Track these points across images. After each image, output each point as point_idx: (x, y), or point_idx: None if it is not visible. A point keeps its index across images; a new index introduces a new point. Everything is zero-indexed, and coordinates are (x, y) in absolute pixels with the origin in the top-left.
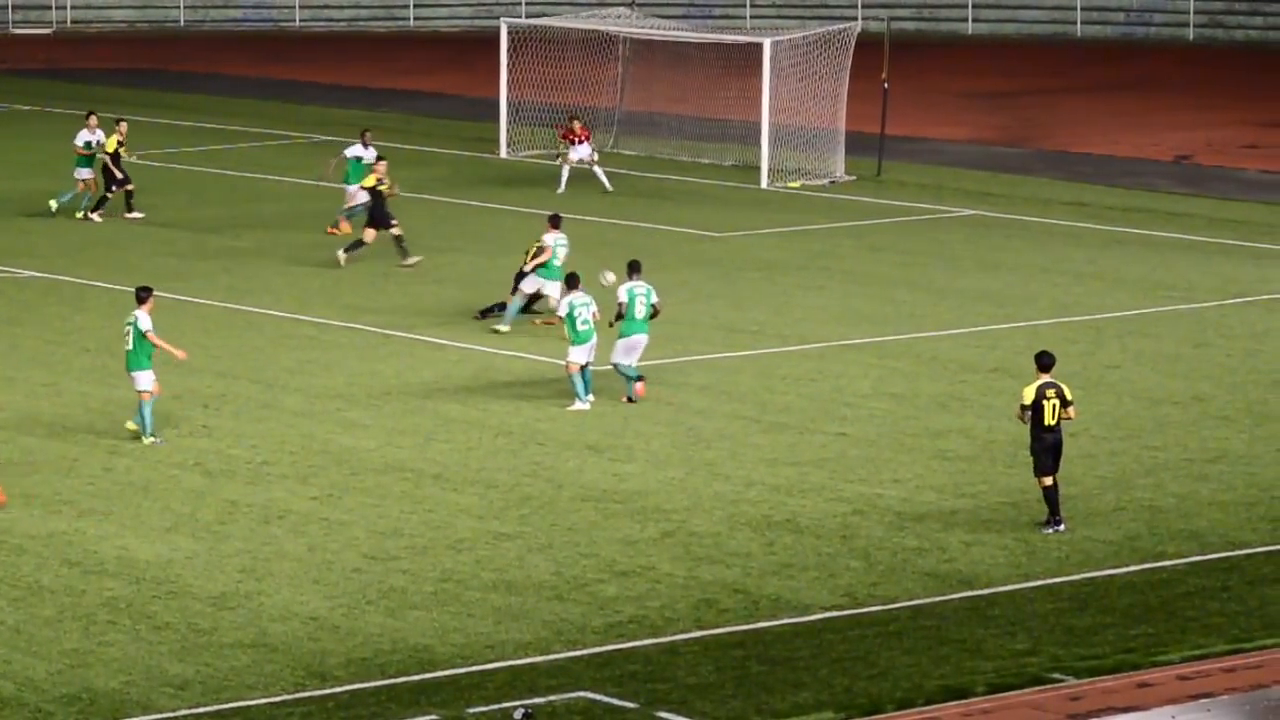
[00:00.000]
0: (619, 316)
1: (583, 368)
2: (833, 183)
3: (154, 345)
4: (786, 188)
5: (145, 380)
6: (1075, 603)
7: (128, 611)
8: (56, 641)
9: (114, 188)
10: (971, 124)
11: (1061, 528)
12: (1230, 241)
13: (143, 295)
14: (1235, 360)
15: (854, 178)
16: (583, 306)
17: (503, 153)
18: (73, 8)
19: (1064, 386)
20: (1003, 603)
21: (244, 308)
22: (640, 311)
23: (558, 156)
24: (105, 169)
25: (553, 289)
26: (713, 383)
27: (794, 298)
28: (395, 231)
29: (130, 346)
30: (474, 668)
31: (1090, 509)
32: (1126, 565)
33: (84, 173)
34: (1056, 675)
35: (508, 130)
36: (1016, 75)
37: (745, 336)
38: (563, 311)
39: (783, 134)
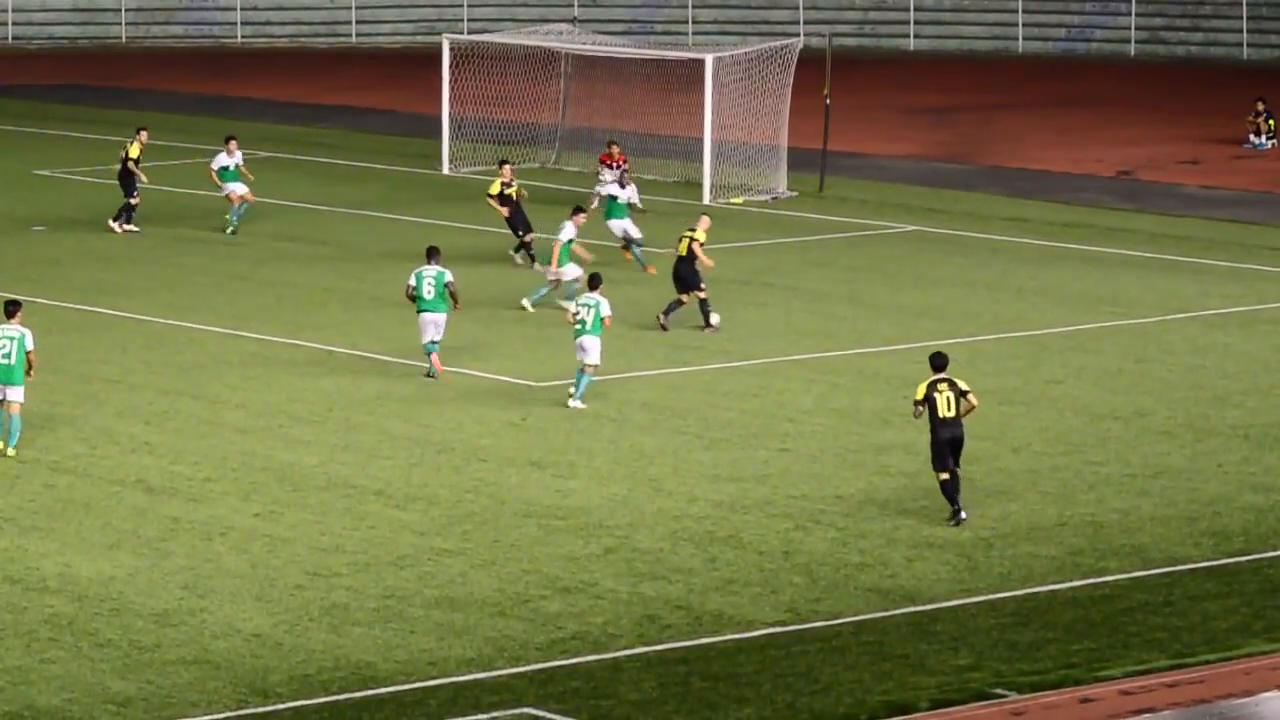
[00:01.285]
0: (410, 297)
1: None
2: (775, 199)
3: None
4: (729, 204)
5: (21, 393)
6: (1018, 618)
7: (70, 629)
8: None
9: (135, 195)
10: (913, 140)
11: (963, 516)
12: (1171, 257)
13: (12, 310)
14: (1176, 375)
15: (796, 193)
16: (584, 306)
17: (445, 169)
18: (14, 24)
19: (958, 380)
20: (945, 618)
21: (185, 324)
22: (429, 292)
23: (598, 179)
24: (124, 175)
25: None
26: (655, 399)
27: (736, 313)
28: (527, 239)
29: (12, 362)
30: (417, 684)
31: (1032, 524)
32: (1069, 580)
33: (234, 187)
34: (999, 690)
35: (450, 146)
36: (958, 91)
37: (688, 352)
38: (571, 307)
39: (725, 150)
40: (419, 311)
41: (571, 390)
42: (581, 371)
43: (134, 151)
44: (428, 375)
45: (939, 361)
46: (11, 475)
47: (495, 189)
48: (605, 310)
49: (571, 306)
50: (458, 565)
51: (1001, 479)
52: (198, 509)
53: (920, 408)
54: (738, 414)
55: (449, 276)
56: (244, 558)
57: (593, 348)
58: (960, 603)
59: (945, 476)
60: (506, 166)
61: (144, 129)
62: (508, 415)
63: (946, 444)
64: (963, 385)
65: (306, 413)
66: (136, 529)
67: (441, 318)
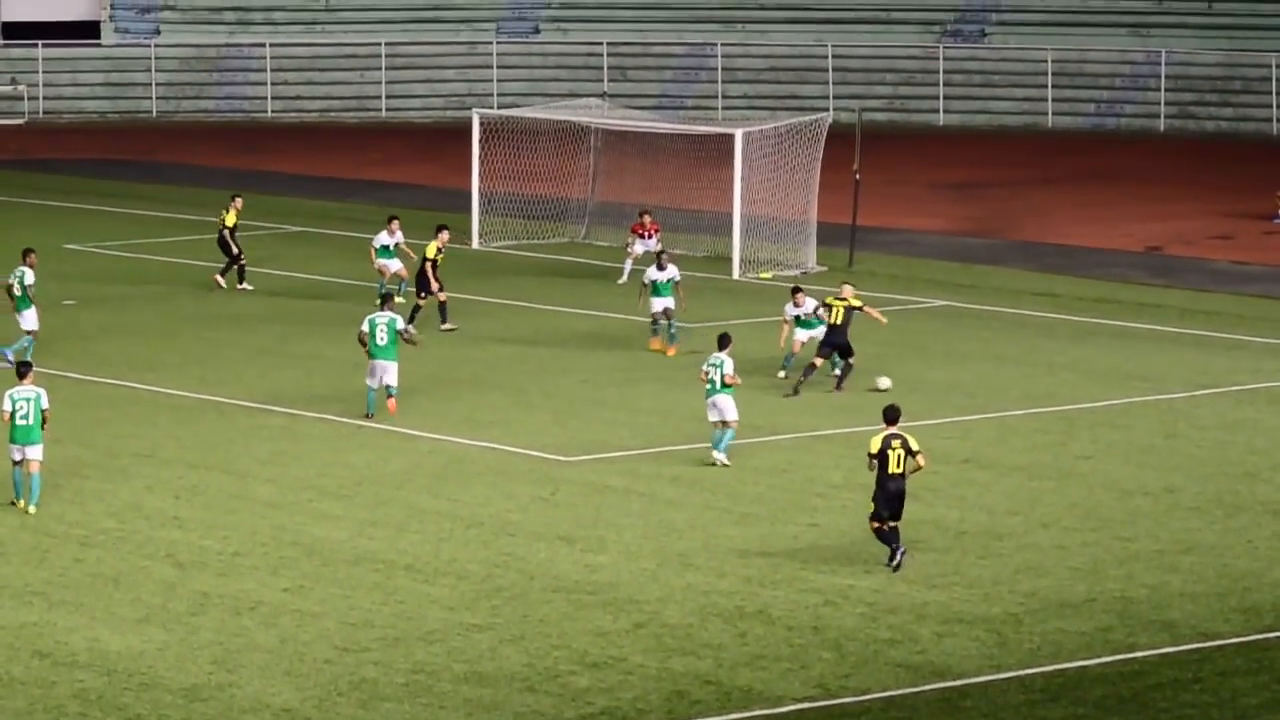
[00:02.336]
0: (362, 342)
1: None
2: (804, 273)
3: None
4: (758, 278)
5: (40, 451)
6: (1047, 694)
7: (99, 703)
8: None
9: (238, 260)
10: (943, 215)
11: (902, 552)
12: (1201, 332)
13: (23, 371)
14: (1206, 451)
15: (825, 268)
16: (712, 366)
17: (474, 243)
18: (45, 99)
19: (909, 437)
20: (975, 694)
21: (215, 398)
22: (382, 338)
23: (627, 248)
24: (222, 242)
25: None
26: (684, 473)
27: (765, 387)
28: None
29: (30, 422)
30: None
31: (1062, 600)
32: (1099, 656)
33: (389, 264)
34: None
35: (480, 221)
36: (987, 166)
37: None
38: (704, 366)
39: (754, 225)
40: (371, 357)
41: (715, 450)
42: (717, 428)
43: (230, 220)
44: (366, 417)
45: (891, 415)
46: (41, 549)
47: (431, 251)
48: (728, 369)
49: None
50: (487, 640)
51: (1031, 554)
52: (227, 583)
53: (874, 461)
54: (767, 489)
55: (401, 324)
56: (273, 632)
57: (725, 405)
58: (990, 679)
59: (878, 526)
60: (445, 233)
61: (239, 195)
62: (536, 490)
63: (891, 498)
64: (914, 445)
65: (336, 487)
66: (166, 603)
67: (393, 365)
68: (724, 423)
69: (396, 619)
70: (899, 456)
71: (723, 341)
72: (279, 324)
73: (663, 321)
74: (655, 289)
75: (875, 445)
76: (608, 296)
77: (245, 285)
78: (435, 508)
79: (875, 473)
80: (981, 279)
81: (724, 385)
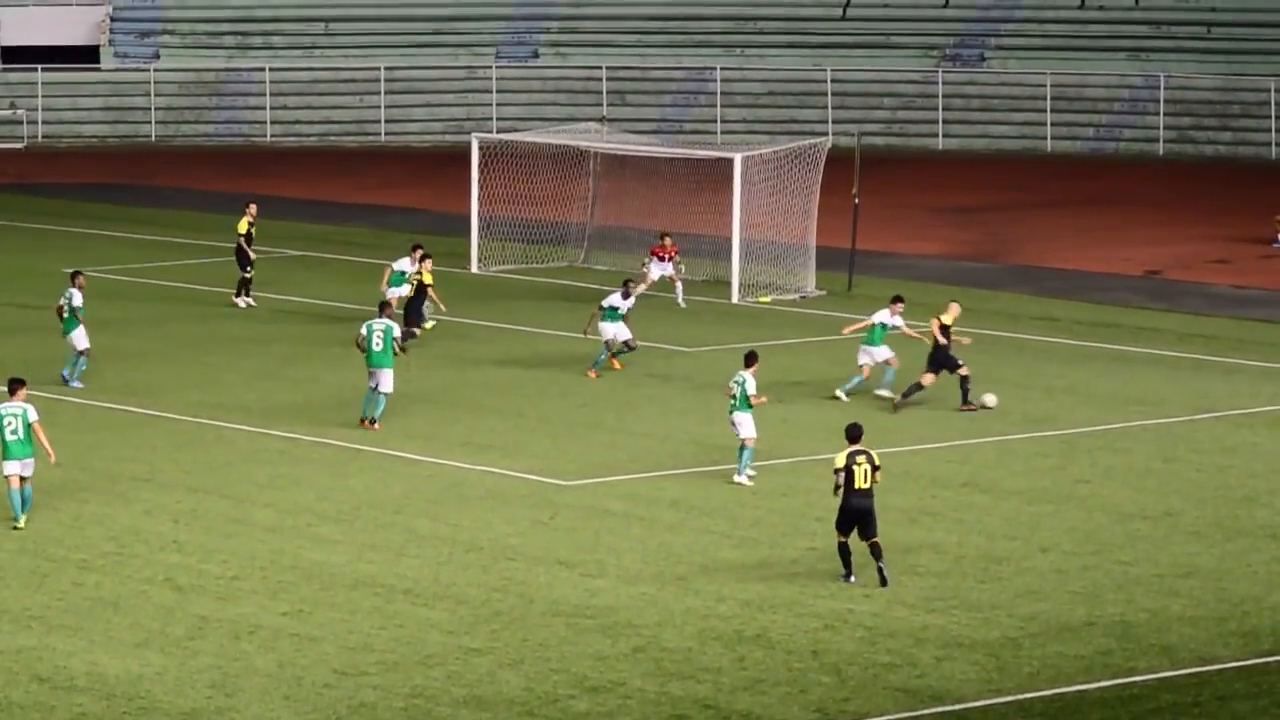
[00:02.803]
0: (360, 347)
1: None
2: (803, 297)
3: (37, 436)
4: (758, 302)
5: (31, 467)
6: (1046, 718)
7: None
8: None
9: (249, 269)
10: (942, 239)
11: (854, 580)
12: (1200, 356)
13: (14, 386)
14: (1206, 475)
15: (825, 292)
16: (735, 384)
17: (474, 268)
18: (44, 123)
19: (873, 453)
20: (974, 719)
21: (214, 422)
22: (378, 344)
23: (644, 266)
24: (239, 250)
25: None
26: (684, 497)
27: (764, 412)
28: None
29: (20, 436)
30: None
31: (1061, 624)
32: (1098, 680)
33: (396, 290)
34: None
35: (479, 245)
36: (986, 190)
37: (716, 451)
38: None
39: (754, 249)
40: (367, 363)
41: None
42: (741, 448)
43: (242, 227)
44: (362, 422)
45: (855, 432)
46: (40, 573)
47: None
48: (750, 388)
49: (886, 392)
50: (485, 664)
51: (1030, 579)
52: (226, 607)
53: (840, 476)
54: (766, 512)
55: (397, 330)
56: (272, 656)
57: (743, 422)
58: (988, 703)
59: (843, 540)
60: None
61: (253, 203)
62: (535, 514)
63: (856, 513)
64: (877, 460)
65: (335, 511)
66: (164, 627)
67: (388, 372)
68: (745, 441)
69: (395, 643)
70: (865, 472)
71: (749, 360)
72: (278, 348)
73: (616, 347)
74: (608, 314)
75: (840, 461)
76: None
77: (244, 301)
78: (434, 532)
79: (841, 489)
80: (980, 303)
81: (744, 403)
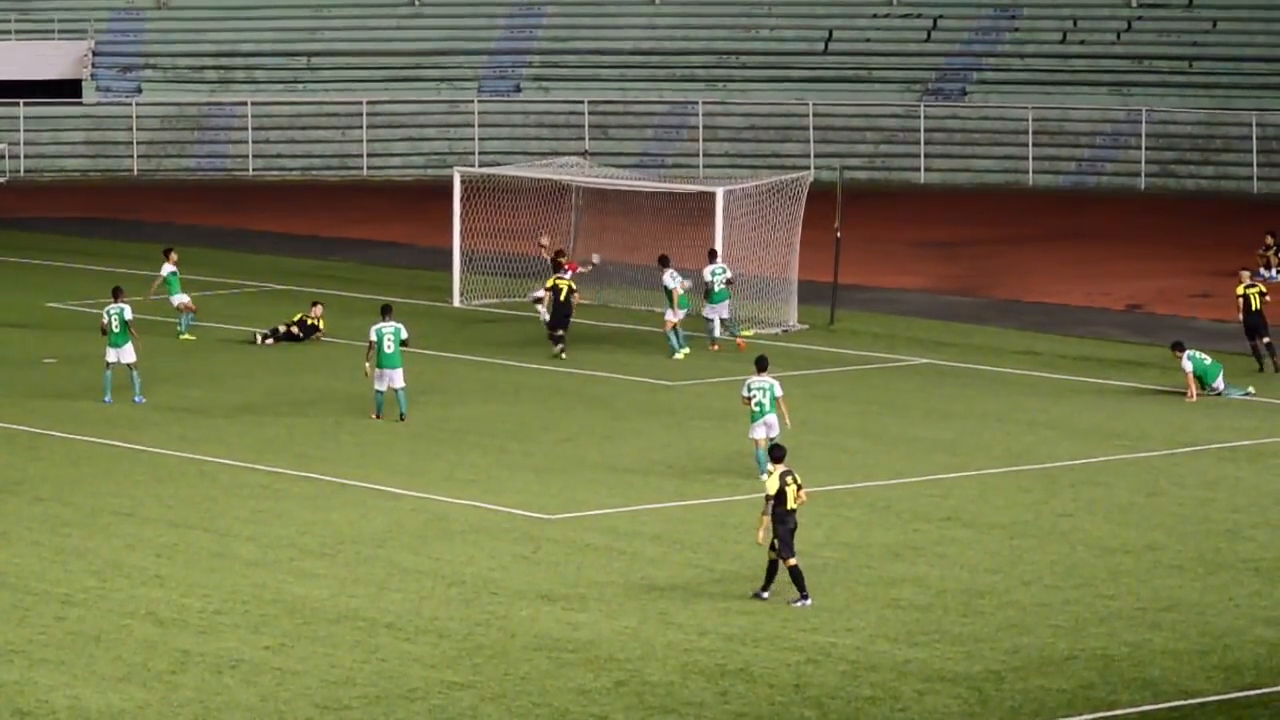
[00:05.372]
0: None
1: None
2: (785, 331)
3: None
4: (740, 336)
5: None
6: None
7: None
8: None
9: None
10: (924, 273)
11: (809, 603)
12: (1182, 390)
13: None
14: (1187, 509)
15: (807, 326)
16: (759, 390)
17: (456, 301)
18: (26, 157)
19: (795, 473)
20: None
21: (197, 456)
22: (389, 347)
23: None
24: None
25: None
26: (666, 531)
27: (746, 447)
28: None
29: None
30: None
31: (1044, 657)
32: (1080, 714)
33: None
34: None
35: (461, 279)
36: (969, 224)
37: (698, 485)
38: (744, 393)
39: (736, 283)
40: (379, 365)
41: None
42: (761, 445)
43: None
44: (375, 416)
45: (779, 454)
46: (22, 607)
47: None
48: (779, 391)
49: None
50: (468, 698)
51: (1013, 612)
52: (208, 641)
53: (770, 502)
54: (748, 547)
55: (405, 333)
56: (254, 690)
57: (773, 422)
58: None
59: (794, 562)
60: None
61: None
62: (518, 548)
63: (793, 532)
64: (799, 479)
65: (317, 545)
66: (146, 661)
67: (399, 371)
68: (771, 440)
69: (378, 677)
70: (794, 492)
71: (762, 364)
72: (261, 382)
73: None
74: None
75: (774, 485)
76: (588, 354)
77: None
78: (417, 566)
79: (772, 511)
80: (962, 337)
81: (772, 406)
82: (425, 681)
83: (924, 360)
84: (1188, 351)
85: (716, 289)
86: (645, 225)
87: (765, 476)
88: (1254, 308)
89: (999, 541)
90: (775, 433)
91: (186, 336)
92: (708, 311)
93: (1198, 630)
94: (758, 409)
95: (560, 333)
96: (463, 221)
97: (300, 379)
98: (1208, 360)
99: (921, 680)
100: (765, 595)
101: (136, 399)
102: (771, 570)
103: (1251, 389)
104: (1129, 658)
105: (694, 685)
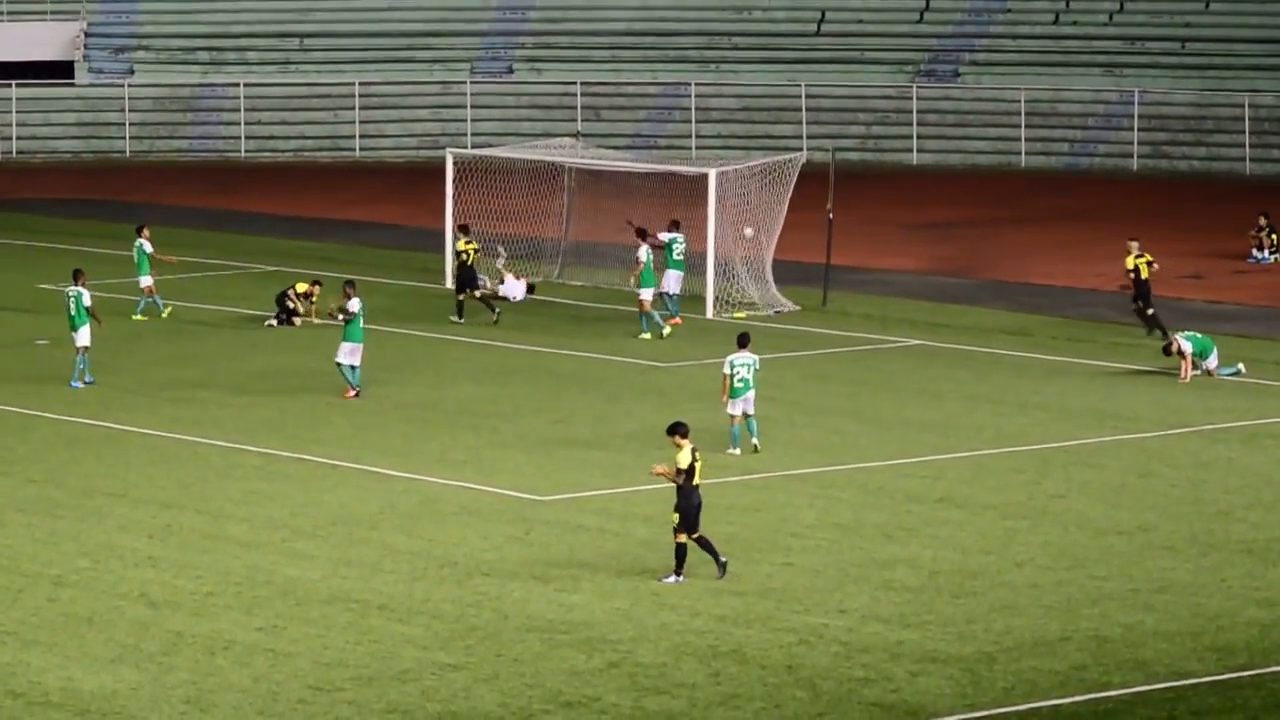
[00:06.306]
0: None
1: (745, 417)
2: (778, 313)
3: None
4: (732, 318)
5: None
6: None
7: None
8: None
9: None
10: (916, 254)
11: (724, 576)
12: (1174, 372)
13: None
14: (1180, 490)
15: (799, 308)
16: (743, 366)
17: (448, 283)
18: (18, 139)
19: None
20: None
21: (189, 438)
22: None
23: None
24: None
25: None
26: (658, 513)
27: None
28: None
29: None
30: None
31: (1036, 639)
32: (1072, 695)
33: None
34: None
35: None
36: (961, 206)
37: None
38: (726, 369)
39: (728, 264)
40: (345, 339)
41: (753, 438)
42: (738, 421)
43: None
44: (355, 394)
45: (684, 429)
46: (14, 589)
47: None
48: (758, 365)
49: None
50: (461, 679)
51: (1005, 594)
52: (200, 623)
53: (681, 475)
54: (740, 528)
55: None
56: (246, 672)
57: (752, 398)
58: (963, 717)
59: (684, 540)
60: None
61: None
62: (510, 529)
63: (698, 508)
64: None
65: (310, 527)
66: (139, 643)
67: (360, 346)
68: (748, 415)
69: (370, 658)
70: (699, 468)
71: (744, 340)
72: (253, 363)
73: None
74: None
75: (685, 460)
76: (580, 336)
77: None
78: (409, 547)
79: (682, 486)
80: (955, 318)
81: (757, 381)
82: (418, 662)
83: (916, 341)
84: (1182, 332)
85: (674, 258)
86: (638, 206)
87: (754, 440)
88: (1143, 277)
89: (991, 523)
90: (751, 410)
91: (139, 317)
92: (665, 284)
93: (1190, 611)
94: (741, 385)
95: (461, 299)
96: (455, 203)
97: (293, 360)
98: (1199, 336)
99: (914, 661)
100: (681, 579)
101: (74, 383)
102: (703, 544)
103: (1241, 366)
104: (1121, 639)
105: (686, 666)
